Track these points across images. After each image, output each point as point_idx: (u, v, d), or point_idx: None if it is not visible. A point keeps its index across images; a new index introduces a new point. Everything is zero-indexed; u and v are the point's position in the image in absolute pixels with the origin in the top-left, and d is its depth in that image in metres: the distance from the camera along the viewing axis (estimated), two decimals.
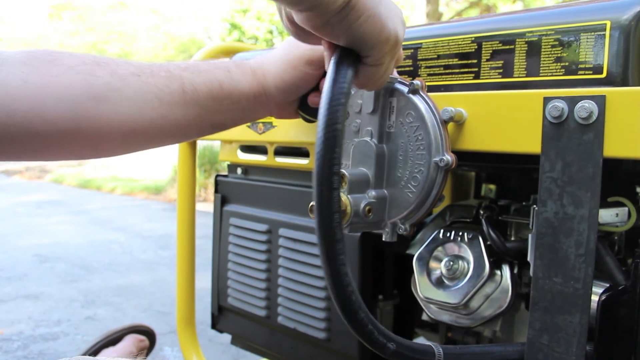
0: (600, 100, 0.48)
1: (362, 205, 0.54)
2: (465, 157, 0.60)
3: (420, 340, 0.85)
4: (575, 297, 0.49)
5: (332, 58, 0.50)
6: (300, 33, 0.54)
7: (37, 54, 0.55)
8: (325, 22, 0.47)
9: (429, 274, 0.70)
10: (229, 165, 1.03)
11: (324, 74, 0.64)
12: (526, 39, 0.58)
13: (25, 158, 0.58)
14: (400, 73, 0.69)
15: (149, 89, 0.58)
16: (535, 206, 0.54)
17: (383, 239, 0.58)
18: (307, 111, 0.69)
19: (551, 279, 0.51)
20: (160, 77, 0.60)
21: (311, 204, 0.51)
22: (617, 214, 0.57)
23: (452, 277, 0.68)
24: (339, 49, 0.50)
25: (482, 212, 0.69)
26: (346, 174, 0.54)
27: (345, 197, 0.53)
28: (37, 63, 0.54)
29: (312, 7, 0.45)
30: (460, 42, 0.63)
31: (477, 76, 0.62)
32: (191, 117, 0.62)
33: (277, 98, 0.66)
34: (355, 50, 0.50)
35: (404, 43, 0.68)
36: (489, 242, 0.66)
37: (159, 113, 0.59)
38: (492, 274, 0.66)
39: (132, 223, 4.51)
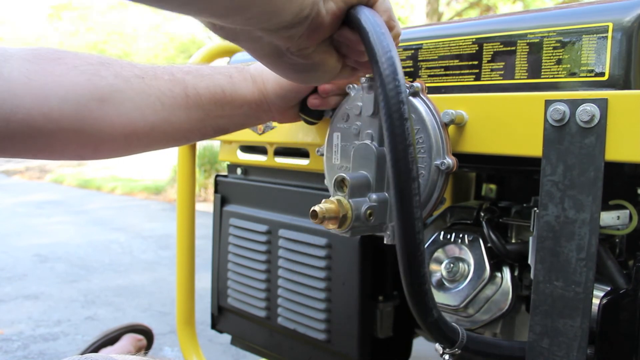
0: (602, 104, 0.47)
1: (363, 209, 0.54)
2: (466, 160, 0.60)
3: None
4: (576, 301, 0.49)
5: (356, 18, 0.47)
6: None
7: (41, 52, 0.55)
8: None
9: (429, 276, 0.70)
10: (228, 166, 1.03)
11: None
12: (528, 41, 0.58)
13: (27, 156, 0.58)
14: None
15: (152, 92, 0.58)
16: (536, 209, 0.54)
17: (385, 242, 0.58)
18: (308, 113, 0.69)
19: (552, 282, 0.51)
20: (164, 80, 0.60)
21: (312, 208, 0.51)
22: (618, 217, 0.57)
23: (452, 280, 0.68)
24: (350, 12, 0.48)
25: (482, 214, 0.68)
26: (347, 177, 0.54)
27: (346, 202, 0.53)
28: (41, 61, 0.54)
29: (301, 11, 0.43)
30: (461, 43, 0.63)
31: (478, 78, 0.62)
32: (193, 121, 0.62)
33: (278, 104, 0.66)
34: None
35: (404, 44, 0.68)
36: (489, 245, 0.66)
37: (161, 116, 0.59)
38: (492, 277, 0.66)
39: (132, 223, 4.50)
